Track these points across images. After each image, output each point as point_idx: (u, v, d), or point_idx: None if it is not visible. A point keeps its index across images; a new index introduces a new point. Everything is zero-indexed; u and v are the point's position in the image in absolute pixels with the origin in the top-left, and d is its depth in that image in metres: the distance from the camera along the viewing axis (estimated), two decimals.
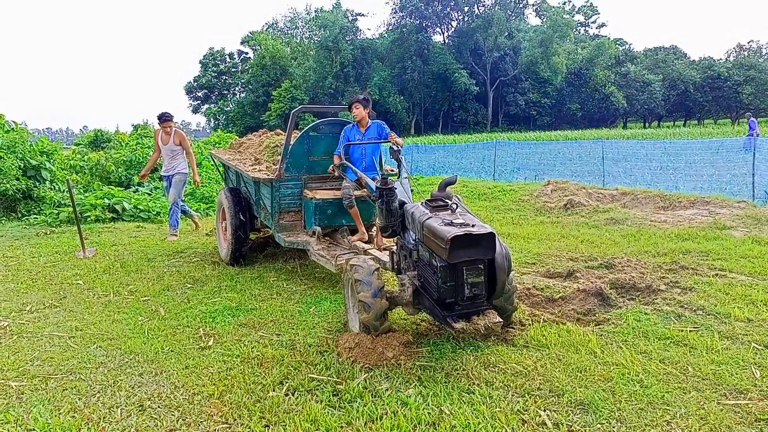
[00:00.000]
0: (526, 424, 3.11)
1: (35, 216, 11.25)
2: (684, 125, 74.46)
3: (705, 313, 4.75)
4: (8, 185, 11.66)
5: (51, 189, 12.76)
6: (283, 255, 7.35)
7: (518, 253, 7.12)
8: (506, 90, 74.44)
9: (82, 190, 13.55)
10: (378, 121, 5.97)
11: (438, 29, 77.92)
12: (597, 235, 8.19)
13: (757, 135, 17.40)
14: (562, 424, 3.09)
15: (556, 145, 23.84)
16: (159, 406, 3.47)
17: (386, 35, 75.85)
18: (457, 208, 4.04)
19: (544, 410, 3.24)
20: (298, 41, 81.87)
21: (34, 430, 3.22)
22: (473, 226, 3.68)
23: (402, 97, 69.25)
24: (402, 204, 4.46)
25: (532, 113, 73.57)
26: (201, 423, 3.26)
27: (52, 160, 13.11)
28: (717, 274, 5.89)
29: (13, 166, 11.91)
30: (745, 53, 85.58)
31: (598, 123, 72.68)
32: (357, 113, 5.81)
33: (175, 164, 8.87)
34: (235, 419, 3.28)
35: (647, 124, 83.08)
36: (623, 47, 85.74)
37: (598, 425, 3.07)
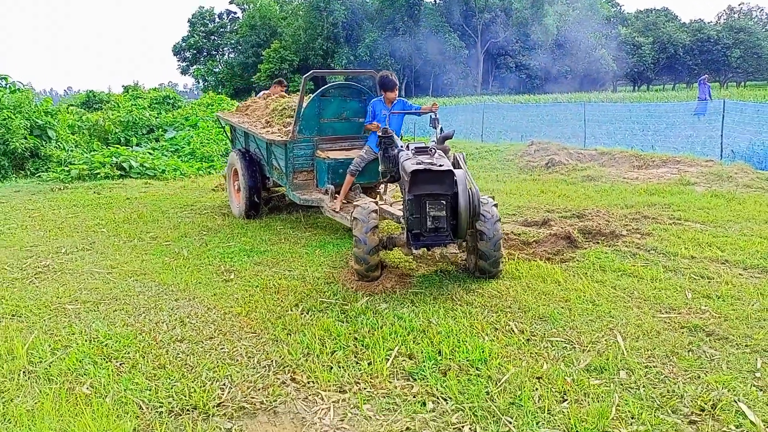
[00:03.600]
0: (497, 331, 3.88)
1: (45, 173, 11.83)
2: (673, 89, 74.96)
3: (656, 252, 5.53)
4: (17, 143, 12.20)
5: (56, 148, 13.28)
6: (286, 207, 8.03)
7: (500, 206, 7.81)
8: (497, 52, 74.26)
9: (86, 150, 14.06)
10: (401, 98, 6.35)
11: None
12: (573, 191, 8.95)
13: (704, 99, 17.98)
14: (525, 331, 3.86)
15: (541, 107, 24.44)
16: (197, 322, 4.21)
17: None
18: (435, 152, 4.69)
19: (513, 321, 4.02)
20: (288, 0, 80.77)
21: (97, 338, 3.94)
22: (440, 165, 4.31)
23: (393, 59, 68.92)
24: (401, 150, 5.08)
25: (522, 76, 73.60)
26: (234, 333, 4.00)
27: (57, 120, 13.58)
28: (674, 223, 6.66)
29: (20, 126, 12.43)
30: (736, 15, 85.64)
31: (588, 86, 72.90)
32: (395, 96, 6.10)
33: None
34: (262, 330, 4.02)
35: (636, 87, 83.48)
36: (615, 9, 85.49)
37: (554, 330, 3.85)
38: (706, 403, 2.94)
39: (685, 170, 10.06)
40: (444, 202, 4.33)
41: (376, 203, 5.46)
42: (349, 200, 6.41)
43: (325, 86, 6.96)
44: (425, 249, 4.50)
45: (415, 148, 4.86)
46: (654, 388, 3.12)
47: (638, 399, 3.01)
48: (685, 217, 6.89)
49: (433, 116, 5.67)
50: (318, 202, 6.59)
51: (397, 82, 6.16)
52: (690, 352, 3.51)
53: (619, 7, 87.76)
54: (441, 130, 5.41)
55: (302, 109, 6.68)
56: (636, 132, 16.19)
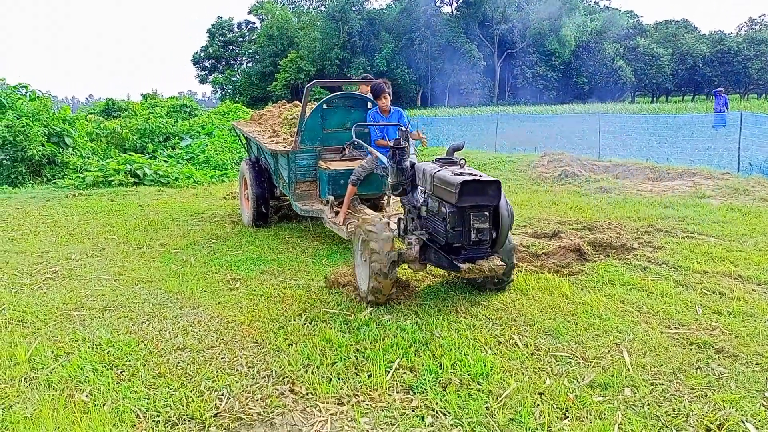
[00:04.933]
0: (501, 344, 3.82)
1: (61, 180, 11.98)
2: (692, 100, 74.07)
3: (668, 266, 5.43)
4: (34, 151, 12.39)
5: (73, 155, 13.46)
6: (296, 216, 8.01)
7: None
8: (513, 63, 74.15)
9: (102, 157, 14.23)
10: (397, 108, 6.38)
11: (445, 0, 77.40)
12: (585, 203, 8.84)
13: (721, 112, 17.65)
14: (529, 345, 3.80)
15: (557, 118, 24.32)
16: (199, 330, 4.20)
17: (394, 5, 75.37)
18: (465, 163, 4.61)
19: (517, 335, 3.95)
20: (305, 10, 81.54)
21: (100, 345, 3.95)
22: (480, 175, 4.23)
23: (410, 69, 69.11)
24: (413, 164, 5.03)
25: (539, 86, 73.33)
26: (236, 342, 3.98)
27: (74, 128, 13.77)
28: (687, 236, 6.54)
29: (38, 133, 12.62)
30: (757, 27, 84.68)
31: (606, 97, 72.35)
32: (386, 103, 6.14)
33: None
34: (264, 340, 4.00)
35: (655, 99, 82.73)
36: (634, 20, 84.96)
37: (559, 345, 3.78)
38: (712, 423, 2.86)
39: (701, 183, 9.91)
40: (487, 213, 4.26)
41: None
42: (349, 210, 6.34)
43: (328, 96, 6.95)
44: (469, 263, 4.33)
45: (440, 160, 4.73)
46: (659, 406, 3.05)
47: (642, 417, 2.94)
48: (699, 231, 6.76)
49: (400, 134, 5.47)
50: (318, 213, 6.54)
51: (385, 88, 6.10)
52: (698, 370, 3.42)
53: (638, 18, 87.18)
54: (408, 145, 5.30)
55: (305, 119, 6.67)
56: (652, 144, 16.00)
